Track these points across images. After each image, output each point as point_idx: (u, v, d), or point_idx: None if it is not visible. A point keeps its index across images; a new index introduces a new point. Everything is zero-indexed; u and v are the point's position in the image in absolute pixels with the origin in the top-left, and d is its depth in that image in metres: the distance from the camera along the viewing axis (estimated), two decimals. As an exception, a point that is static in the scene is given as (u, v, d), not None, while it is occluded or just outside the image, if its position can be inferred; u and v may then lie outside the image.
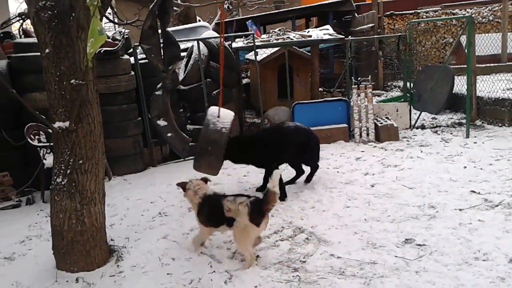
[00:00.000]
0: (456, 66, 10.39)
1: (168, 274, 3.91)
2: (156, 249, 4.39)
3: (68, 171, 3.90)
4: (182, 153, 5.55)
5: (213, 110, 5.35)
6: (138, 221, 5.24)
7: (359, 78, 10.09)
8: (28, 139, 6.22)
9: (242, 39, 10.16)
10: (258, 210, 3.82)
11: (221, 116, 5.24)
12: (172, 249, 4.37)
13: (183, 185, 4.27)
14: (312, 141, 6.08)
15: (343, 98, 8.99)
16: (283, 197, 5.41)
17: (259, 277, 3.71)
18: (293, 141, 5.82)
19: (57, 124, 3.81)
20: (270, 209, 3.88)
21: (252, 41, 8.82)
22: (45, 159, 6.18)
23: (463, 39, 9.12)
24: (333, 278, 3.61)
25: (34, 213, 5.86)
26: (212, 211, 4.06)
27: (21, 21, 8.29)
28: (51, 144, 4.32)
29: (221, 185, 6.36)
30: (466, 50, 8.17)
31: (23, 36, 8.86)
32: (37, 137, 6.38)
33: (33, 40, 6.67)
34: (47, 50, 3.72)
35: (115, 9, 6.03)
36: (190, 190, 4.20)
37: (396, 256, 3.85)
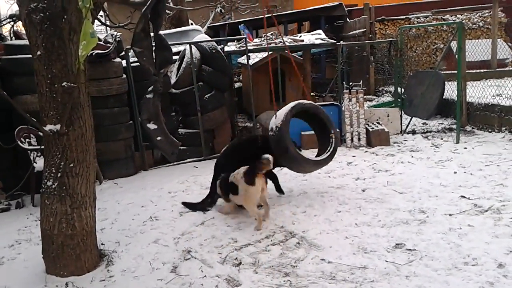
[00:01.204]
0: (447, 72, 10.45)
1: (158, 279, 3.90)
2: (147, 254, 4.38)
3: (59, 175, 3.88)
4: (171, 157, 5.54)
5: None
6: (129, 225, 5.21)
7: (350, 83, 10.15)
8: (19, 142, 6.17)
9: (234, 43, 10.17)
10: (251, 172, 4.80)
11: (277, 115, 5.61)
12: (163, 254, 4.36)
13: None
14: None
15: (335, 103, 9.02)
16: (280, 191, 5.86)
17: (250, 281, 3.71)
18: None
19: (48, 127, 3.79)
20: (262, 170, 4.82)
21: (244, 45, 8.82)
22: (36, 162, 6.14)
23: (454, 45, 9.20)
24: (324, 282, 3.61)
25: (23, 217, 5.80)
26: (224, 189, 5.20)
27: (12, 23, 8.24)
28: (42, 147, 4.30)
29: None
30: (456, 56, 8.25)
31: (14, 38, 8.81)
32: (27, 140, 6.33)
33: (24, 42, 6.63)
34: (38, 52, 3.71)
35: (107, 12, 6.03)
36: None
37: (386, 261, 3.87)
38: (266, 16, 6.12)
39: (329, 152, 5.72)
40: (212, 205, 5.62)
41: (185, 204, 5.70)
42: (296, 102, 5.83)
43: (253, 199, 4.80)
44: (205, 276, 3.86)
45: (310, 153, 7.87)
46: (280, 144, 5.38)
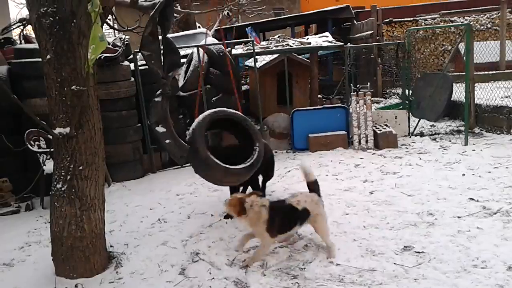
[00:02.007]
0: (455, 74, 10.43)
1: (167, 281, 3.91)
2: (155, 256, 4.39)
3: (68, 177, 3.91)
4: (180, 160, 5.56)
5: None
6: (137, 228, 5.24)
7: (358, 85, 10.13)
8: (28, 145, 6.22)
9: (242, 45, 10.20)
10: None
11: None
12: (171, 256, 4.37)
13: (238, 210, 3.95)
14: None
15: (342, 105, 9.02)
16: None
17: (259, 284, 3.71)
18: None
19: (57, 130, 3.83)
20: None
21: (251, 47, 8.85)
22: (45, 165, 6.19)
23: (462, 46, 9.17)
24: (332, 285, 3.61)
25: (33, 219, 5.86)
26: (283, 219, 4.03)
27: (21, 27, 8.32)
28: (51, 150, 4.34)
29: (220, 191, 6.36)
30: (464, 58, 8.21)
31: (23, 42, 8.89)
32: (37, 143, 6.39)
33: (34, 46, 6.71)
34: (48, 56, 3.75)
35: (115, 15, 6.07)
36: (250, 210, 3.93)
37: (395, 264, 3.86)
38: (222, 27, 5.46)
39: (246, 164, 4.96)
40: None
41: None
42: (220, 109, 5.42)
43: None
44: (213, 278, 3.87)
45: (317, 155, 7.91)
46: (191, 145, 4.90)
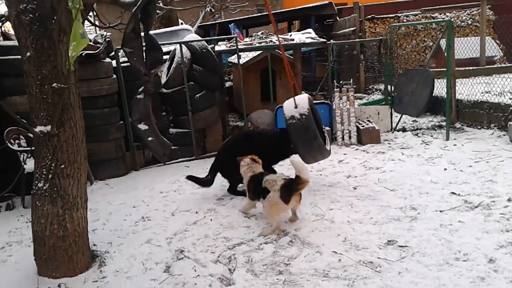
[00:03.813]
0: (436, 70, 10.54)
1: (151, 279, 3.89)
2: (139, 254, 4.37)
3: (50, 176, 3.86)
4: (162, 158, 5.53)
5: (288, 106, 5.74)
6: (121, 226, 5.20)
7: (341, 82, 10.18)
8: (8, 144, 6.12)
9: (225, 42, 10.17)
10: (288, 189, 4.52)
11: (298, 104, 5.63)
12: (156, 254, 4.35)
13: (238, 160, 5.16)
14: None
15: (326, 101, 9.05)
16: None
17: (244, 280, 3.71)
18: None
19: (38, 128, 3.77)
20: (299, 189, 4.56)
21: (235, 44, 8.83)
22: (26, 164, 6.09)
23: (443, 42, 9.27)
24: (317, 280, 3.63)
25: (14, 219, 5.77)
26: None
27: (0, 23, 8.17)
28: (32, 148, 4.28)
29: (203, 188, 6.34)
30: (445, 54, 8.31)
31: (2, 38, 8.74)
32: (17, 141, 6.29)
33: (13, 43, 6.59)
34: (28, 54, 3.68)
35: (96, 12, 6.00)
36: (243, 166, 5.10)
37: (379, 258, 3.89)
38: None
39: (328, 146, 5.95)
40: (209, 185, 5.97)
41: (190, 178, 5.89)
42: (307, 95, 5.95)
43: (279, 213, 4.65)
44: (198, 275, 3.86)
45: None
46: (308, 132, 5.48)
